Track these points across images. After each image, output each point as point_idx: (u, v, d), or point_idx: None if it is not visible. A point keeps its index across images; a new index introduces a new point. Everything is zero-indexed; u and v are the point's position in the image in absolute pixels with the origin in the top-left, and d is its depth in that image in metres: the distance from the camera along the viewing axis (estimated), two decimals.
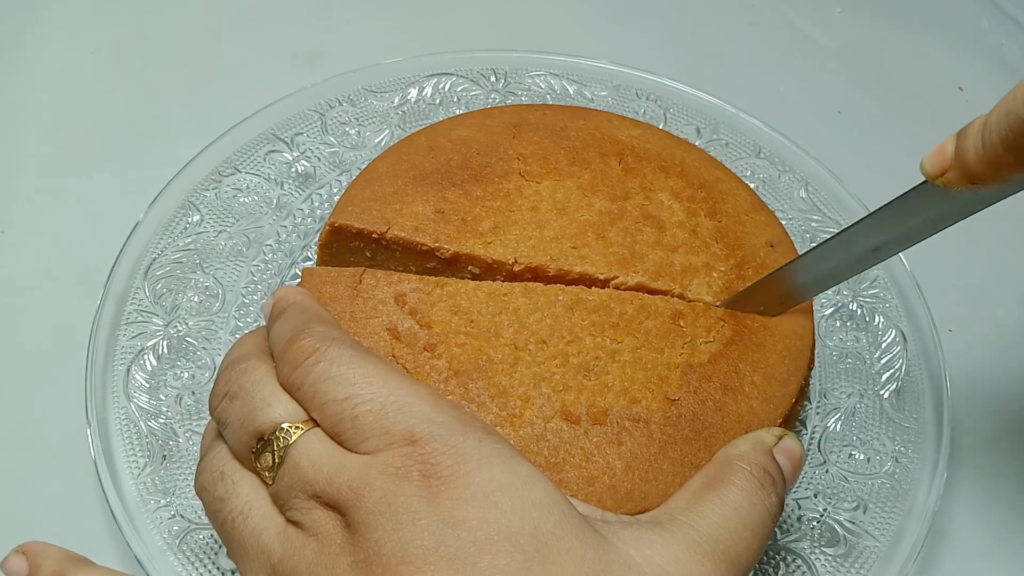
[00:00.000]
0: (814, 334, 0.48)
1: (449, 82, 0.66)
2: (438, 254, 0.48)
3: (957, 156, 0.40)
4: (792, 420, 0.46)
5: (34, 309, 0.56)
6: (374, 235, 0.48)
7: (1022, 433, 0.55)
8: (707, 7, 0.80)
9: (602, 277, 0.48)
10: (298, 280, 0.49)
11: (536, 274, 0.48)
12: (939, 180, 0.41)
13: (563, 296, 0.47)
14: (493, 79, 0.66)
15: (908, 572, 0.46)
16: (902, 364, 0.54)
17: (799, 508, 0.48)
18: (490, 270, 0.48)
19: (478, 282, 0.47)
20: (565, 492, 0.40)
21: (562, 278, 0.48)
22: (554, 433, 0.42)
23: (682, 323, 0.46)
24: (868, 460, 0.50)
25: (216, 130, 0.60)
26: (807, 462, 0.50)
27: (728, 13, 0.80)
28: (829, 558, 0.47)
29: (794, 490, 0.49)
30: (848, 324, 0.56)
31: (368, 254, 0.50)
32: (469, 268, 0.48)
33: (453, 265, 0.49)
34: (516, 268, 0.48)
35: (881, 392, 0.53)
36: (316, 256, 0.51)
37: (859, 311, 0.56)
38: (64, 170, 0.63)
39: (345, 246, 0.50)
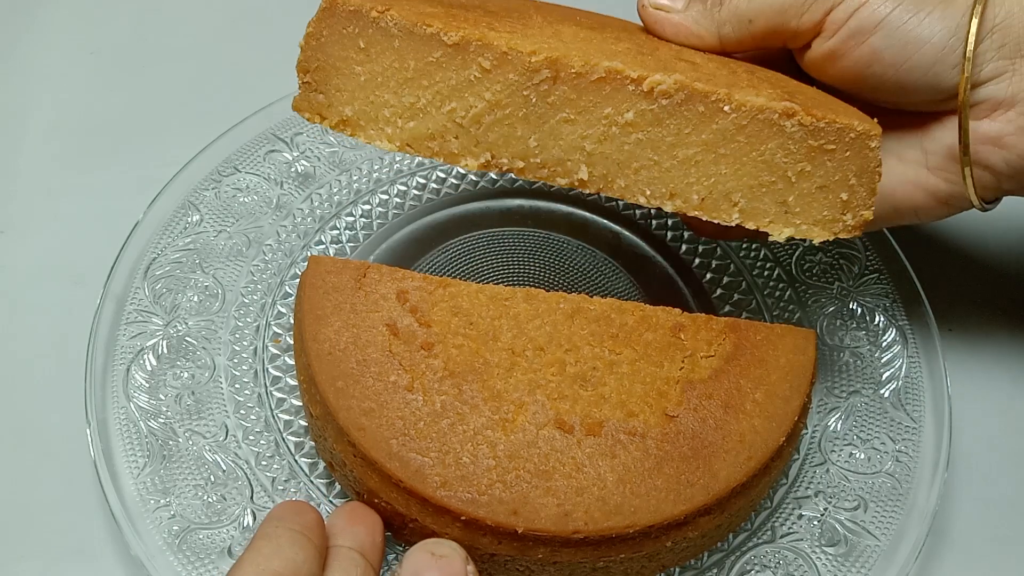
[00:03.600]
0: (817, 349, 0.47)
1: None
2: (443, 38, 0.42)
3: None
4: (794, 438, 0.46)
5: (34, 309, 0.56)
6: (373, 13, 0.42)
7: (1022, 433, 0.55)
8: None
9: (634, 75, 0.42)
10: (298, 280, 0.49)
11: (557, 69, 0.42)
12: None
13: (564, 304, 0.46)
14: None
15: (909, 571, 0.46)
16: (902, 364, 0.54)
17: (800, 507, 0.48)
18: (504, 63, 0.42)
19: (480, 285, 0.47)
20: (552, 500, 0.40)
21: (587, 76, 0.42)
22: (546, 441, 0.42)
23: (683, 336, 0.46)
24: (868, 459, 0.50)
25: (216, 130, 0.60)
26: (808, 461, 0.50)
27: None
28: (830, 557, 0.47)
29: (795, 489, 0.49)
30: (848, 323, 0.56)
31: (361, 43, 0.43)
32: (479, 61, 0.43)
33: (461, 55, 0.43)
34: (534, 59, 0.42)
35: (881, 391, 0.53)
36: (301, 48, 0.44)
37: (859, 310, 0.56)
38: (64, 170, 0.63)
39: (337, 32, 0.43)
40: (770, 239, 0.43)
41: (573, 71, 0.42)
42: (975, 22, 0.42)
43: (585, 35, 0.45)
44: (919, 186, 0.47)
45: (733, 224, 0.43)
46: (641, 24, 0.51)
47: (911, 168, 0.47)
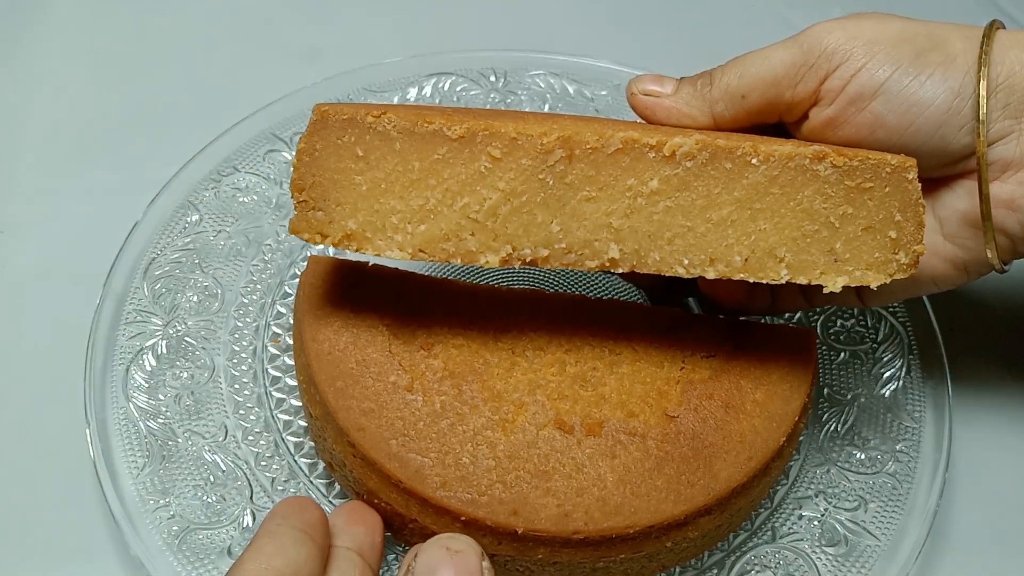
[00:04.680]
0: (816, 349, 0.47)
1: (449, 82, 0.66)
2: (447, 133, 0.40)
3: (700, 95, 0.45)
4: (795, 438, 0.46)
5: (33, 309, 0.56)
6: (370, 118, 0.40)
7: (1022, 433, 0.55)
8: (707, 7, 0.80)
9: (652, 141, 0.40)
10: (297, 280, 0.49)
11: (572, 147, 0.40)
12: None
13: (564, 304, 0.47)
14: (493, 79, 0.66)
15: (909, 571, 0.46)
16: (902, 363, 0.54)
17: (800, 507, 0.48)
18: (515, 148, 0.40)
19: (480, 285, 0.47)
20: (552, 500, 0.40)
21: (603, 150, 0.40)
22: (546, 441, 0.42)
23: (683, 336, 0.46)
24: (869, 459, 0.50)
25: (216, 130, 0.60)
26: (808, 462, 0.50)
27: (728, 13, 0.80)
28: (830, 557, 0.46)
29: (795, 489, 0.49)
30: (848, 323, 0.56)
31: (360, 151, 0.41)
32: (488, 151, 0.40)
33: (468, 147, 0.40)
34: (546, 140, 0.40)
35: (881, 391, 0.53)
36: (294, 167, 0.41)
37: (859, 310, 0.56)
38: (64, 170, 0.63)
39: (332, 144, 0.41)
40: (825, 291, 0.41)
41: (588, 146, 0.40)
42: (983, 84, 0.41)
43: (584, 123, 0.44)
44: (936, 255, 0.45)
45: (783, 281, 0.41)
46: (627, 121, 0.49)
47: (926, 237, 0.45)
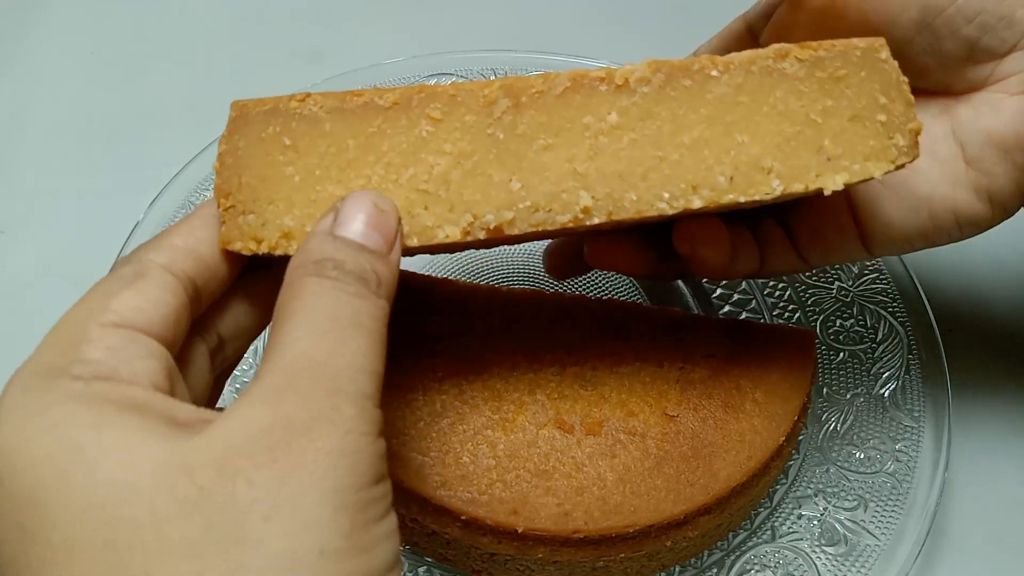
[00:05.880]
0: (816, 348, 0.47)
1: (449, 82, 0.66)
2: (379, 102, 0.36)
3: None
4: (794, 437, 0.46)
5: (33, 309, 0.56)
6: (293, 104, 0.36)
7: (1022, 433, 0.55)
8: (707, 8, 0.80)
9: (601, 74, 0.37)
10: None
11: (517, 95, 0.37)
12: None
13: (564, 304, 0.47)
14: (493, 79, 0.66)
15: (909, 571, 0.46)
16: (902, 363, 0.54)
17: (799, 507, 0.48)
18: (455, 105, 0.37)
19: (480, 284, 0.47)
20: (552, 499, 0.40)
21: (551, 92, 0.37)
22: (546, 440, 0.42)
23: (683, 336, 0.46)
24: (868, 459, 0.50)
25: (216, 130, 0.60)
26: (808, 461, 0.50)
27: (728, 14, 0.80)
28: (830, 557, 0.47)
29: (795, 488, 0.49)
30: (848, 323, 0.56)
31: (287, 140, 0.37)
32: (427, 113, 0.37)
33: (404, 114, 0.37)
34: (488, 91, 0.37)
35: (881, 391, 0.53)
36: (216, 171, 0.37)
37: (859, 310, 0.56)
38: (64, 170, 0.63)
39: (256, 138, 0.37)
40: (826, 192, 0.37)
41: (535, 90, 0.36)
42: None
43: None
44: (958, 184, 0.41)
45: (777, 193, 0.37)
46: None
47: (946, 165, 0.41)
